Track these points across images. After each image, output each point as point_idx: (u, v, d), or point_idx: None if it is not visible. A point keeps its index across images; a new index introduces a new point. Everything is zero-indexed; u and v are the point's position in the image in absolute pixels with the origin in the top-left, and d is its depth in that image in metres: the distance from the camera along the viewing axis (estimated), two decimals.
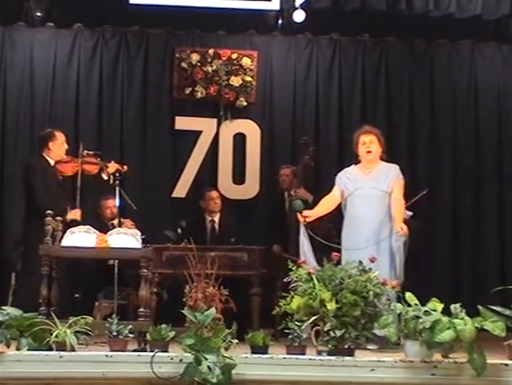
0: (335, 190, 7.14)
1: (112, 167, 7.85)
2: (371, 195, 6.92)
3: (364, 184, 6.98)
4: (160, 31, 9.82)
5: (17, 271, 8.23)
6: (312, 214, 7.10)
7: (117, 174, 7.85)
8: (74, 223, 7.14)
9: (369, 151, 7.04)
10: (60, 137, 7.86)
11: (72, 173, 7.76)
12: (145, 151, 9.68)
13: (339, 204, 7.14)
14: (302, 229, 7.03)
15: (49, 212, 6.21)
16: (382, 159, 7.11)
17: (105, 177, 7.84)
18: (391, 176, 7.00)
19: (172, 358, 4.94)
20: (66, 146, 7.91)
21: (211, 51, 9.74)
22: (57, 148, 7.80)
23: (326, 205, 7.20)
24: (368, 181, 6.99)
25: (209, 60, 9.72)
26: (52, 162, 7.77)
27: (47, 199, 7.43)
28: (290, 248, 8.11)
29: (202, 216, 8.81)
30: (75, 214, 7.55)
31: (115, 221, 7.94)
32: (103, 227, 7.19)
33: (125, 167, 7.99)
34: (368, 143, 7.05)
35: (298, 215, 7.08)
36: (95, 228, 6.25)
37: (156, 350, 4.99)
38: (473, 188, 9.83)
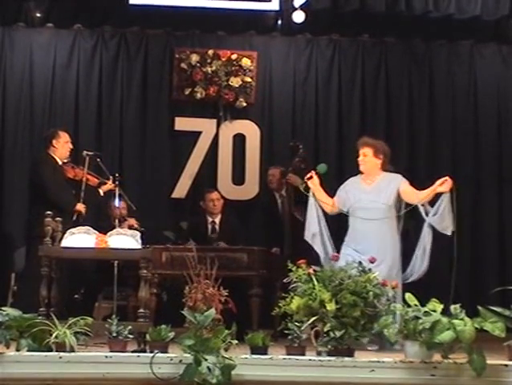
0: (334, 200, 7.04)
1: (107, 187, 8.10)
2: (372, 208, 6.84)
3: (365, 196, 6.91)
4: (160, 32, 9.82)
5: (17, 271, 8.23)
6: (316, 185, 6.97)
7: (117, 175, 8.03)
8: (77, 222, 7.23)
9: (361, 164, 6.98)
10: (64, 136, 8.06)
11: (73, 177, 7.95)
12: (145, 152, 9.68)
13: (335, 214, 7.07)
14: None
15: (49, 212, 6.22)
16: (385, 170, 7.02)
17: (101, 193, 8.11)
18: (392, 187, 6.91)
19: (171, 359, 4.94)
20: (70, 146, 8.09)
21: (211, 52, 9.73)
22: (60, 146, 7.99)
23: (327, 199, 7.05)
24: (368, 194, 6.91)
25: (209, 61, 9.71)
26: (59, 161, 7.94)
27: (59, 190, 7.73)
28: (285, 249, 8.12)
29: (204, 217, 8.81)
30: (81, 207, 7.79)
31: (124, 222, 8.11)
32: (110, 227, 7.20)
33: (116, 188, 8.14)
34: (362, 156, 6.98)
35: (313, 173, 6.99)
36: (104, 227, 6.34)
37: (156, 351, 4.98)
38: (473, 188, 9.83)
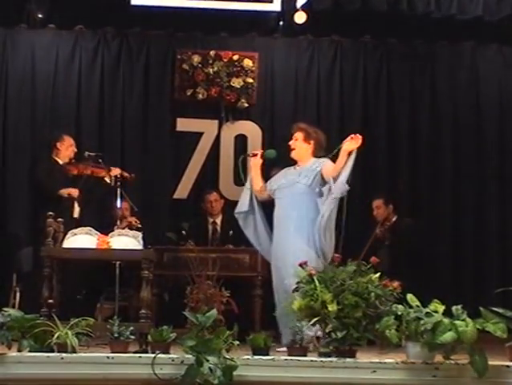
0: (264, 185, 6.90)
1: (115, 171, 8.04)
2: (288, 187, 6.68)
3: (285, 178, 6.76)
4: (162, 33, 9.82)
5: (18, 271, 8.24)
6: (256, 165, 6.85)
7: (118, 176, 8.00)
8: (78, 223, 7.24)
9: (291, 148, 6.84)
10: (68, 140, 8.19)
11: (78, 173, 7.96)
12: (147, 153, 9.68)
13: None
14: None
15: (51, 213, 6.23)
16: (317, 156, 6.81)
17: (108, 180, 8.00)
18: (314, 168, 6.67)
19: (173, 360, 4.94)
20: (74, 150, 8.21)
21: (212, 53, 9.74)
22: (64, 149, 8.11)
23: (258, 180, 6.89)
24: (290, 176, 6.75)
25: (211, 62, 9.72)
26: (61, 162, 8.03)
27: (49, 180, 7.81)
28: None
29: (205, 218, 8.81)
30: (66, 191, 7.78)
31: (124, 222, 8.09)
32: (112, 227, 7.21)
33: (133, 175, 8.14)
34: (293, 140, 6.85)
35: (259, 154, 6.89)
36: (106, 228, 6.38)
37: (158, 352, 4.98)
38: (475, 188, 9.83)
